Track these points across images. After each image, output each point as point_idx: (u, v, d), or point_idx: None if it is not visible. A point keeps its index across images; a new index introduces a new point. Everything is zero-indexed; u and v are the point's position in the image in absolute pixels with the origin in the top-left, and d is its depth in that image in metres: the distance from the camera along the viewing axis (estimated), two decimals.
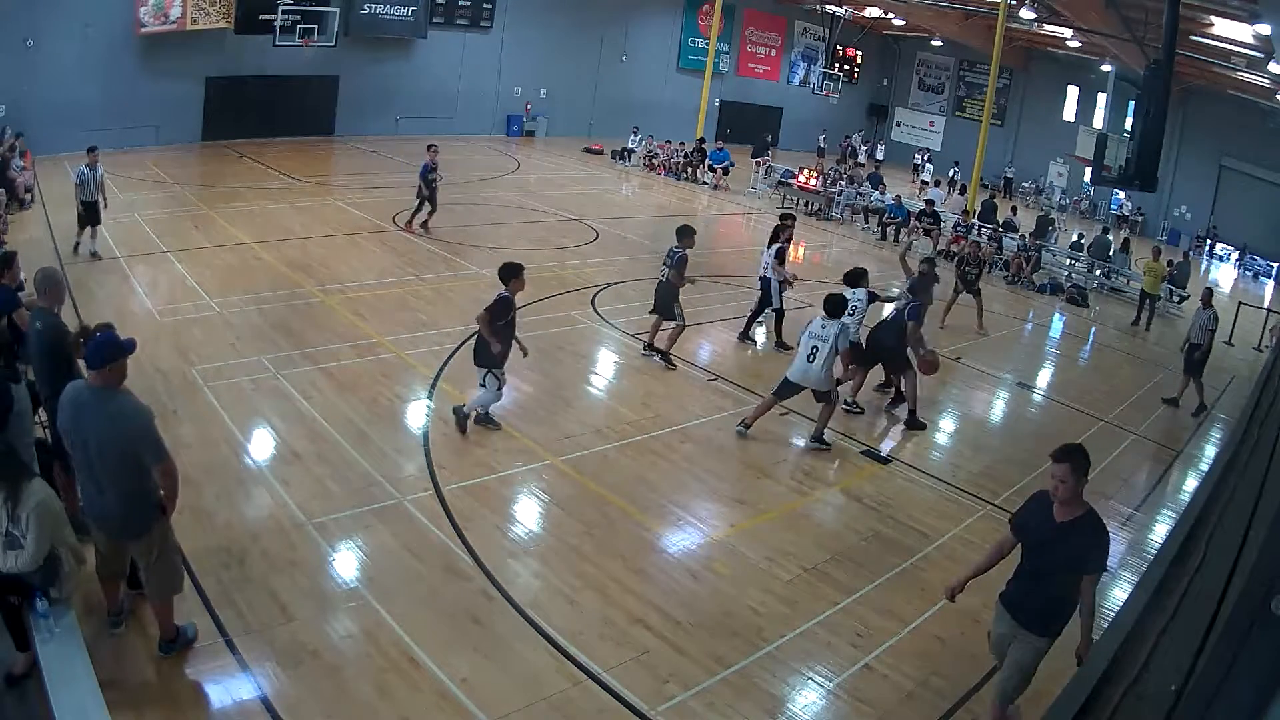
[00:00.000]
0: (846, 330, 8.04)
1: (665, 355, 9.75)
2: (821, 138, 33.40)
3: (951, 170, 29.70)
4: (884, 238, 19.60)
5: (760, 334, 11.39)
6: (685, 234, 9.53)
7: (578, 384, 9.25)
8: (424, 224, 14.26)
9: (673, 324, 9.71)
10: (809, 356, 7.92)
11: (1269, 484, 3.56)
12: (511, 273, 7.43)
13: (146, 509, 4.33)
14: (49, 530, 4.10)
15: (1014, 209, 22.83)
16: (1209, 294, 11.71)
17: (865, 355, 9.15)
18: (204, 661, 4.58)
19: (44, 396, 5.29)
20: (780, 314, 10.91)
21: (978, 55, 31.29)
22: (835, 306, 8.01)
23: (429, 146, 14.33)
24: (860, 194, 22.06)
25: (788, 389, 8.12)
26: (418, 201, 14.12)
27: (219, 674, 4.52)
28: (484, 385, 7.50)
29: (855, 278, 9.36)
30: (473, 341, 7.71)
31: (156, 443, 4.21)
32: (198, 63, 19.35)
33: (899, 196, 20.99)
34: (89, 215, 11.19)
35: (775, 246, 10.70)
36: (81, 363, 4.63)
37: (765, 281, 10.80)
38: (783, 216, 11.48)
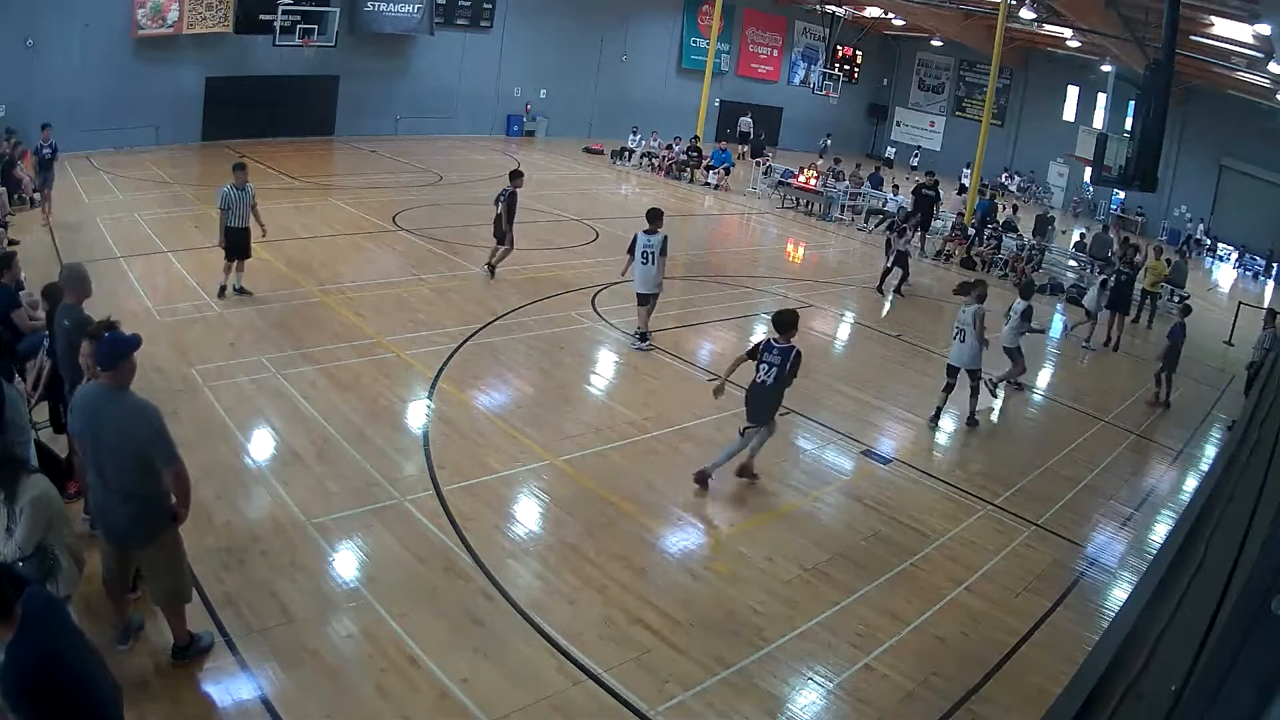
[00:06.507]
0: None
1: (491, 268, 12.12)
2: (826, 140, 33.40)
3: (1002, 175, 30.92)
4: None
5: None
6: (515, 176, 11.99)
7: (578, 384, 9.25)
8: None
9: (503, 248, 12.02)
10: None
11: (1269, 484, 3.56)
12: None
13: (155, 516, 4.25)
14: (42, 524, 4.04)
15: (1014, 208, 22.84)
16: (1272, 315, 11.62)
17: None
18: (204, 661, 4.58)
19: (68, 393, 5.32)
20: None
21: (978, 55, 31.29)
22: None
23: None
24: (859, 194, 22.10)
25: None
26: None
27: (219, 674, 4.52)
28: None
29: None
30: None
31: (168, 445, 4.14)
32: (198, 63, 19.36)
33: (897, 185, 21.19)
34: (237, 245, 9.69)
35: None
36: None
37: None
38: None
